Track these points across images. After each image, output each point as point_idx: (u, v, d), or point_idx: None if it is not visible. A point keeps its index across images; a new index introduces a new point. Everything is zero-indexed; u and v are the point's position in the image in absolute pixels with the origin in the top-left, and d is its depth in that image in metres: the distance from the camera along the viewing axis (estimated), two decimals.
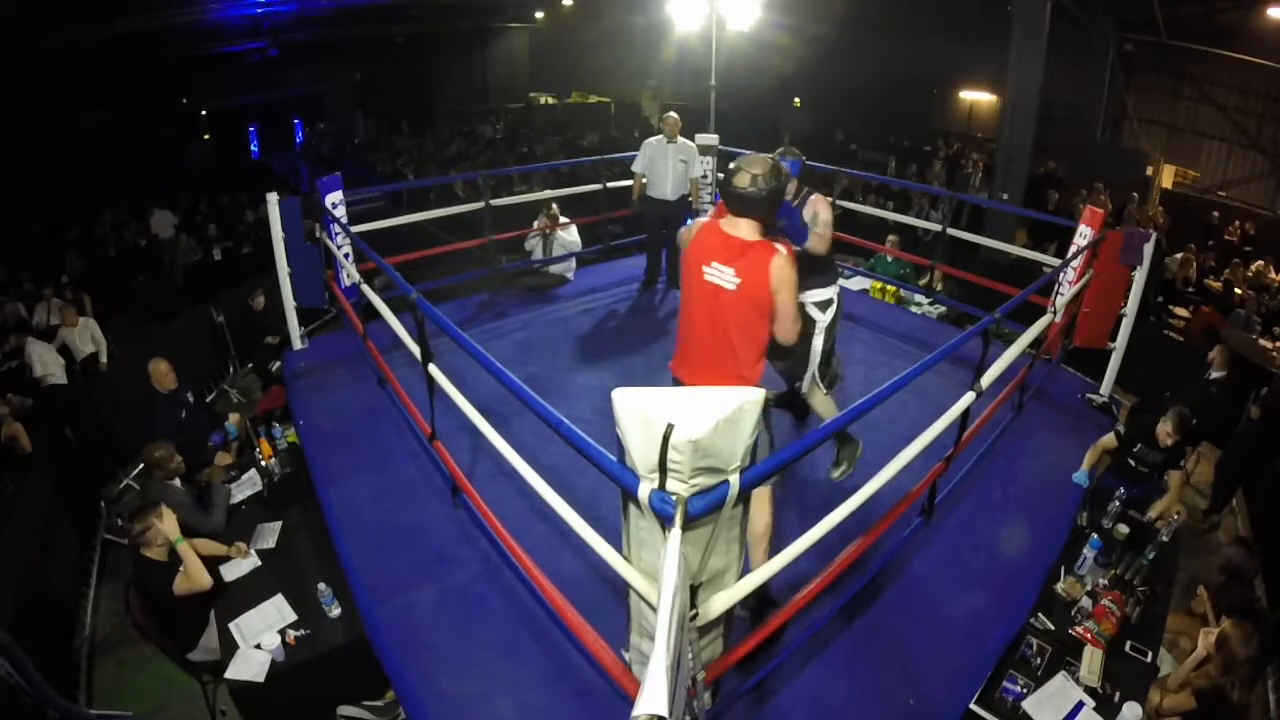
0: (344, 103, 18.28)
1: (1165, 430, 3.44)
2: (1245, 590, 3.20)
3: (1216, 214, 9.93)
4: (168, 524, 2.98)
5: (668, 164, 5.12)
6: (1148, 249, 3.98)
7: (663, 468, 1.52)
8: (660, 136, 5.19)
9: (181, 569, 2.94)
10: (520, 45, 18.72)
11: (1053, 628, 2.75)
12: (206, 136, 16.55)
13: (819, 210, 3.15)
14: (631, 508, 1.72)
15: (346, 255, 4.51)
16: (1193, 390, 4.72)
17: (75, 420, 5.13)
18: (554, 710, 2.30)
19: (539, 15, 17.36)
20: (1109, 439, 3.59)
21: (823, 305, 3.23)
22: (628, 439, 1.62)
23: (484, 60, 18.33)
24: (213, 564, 3.24)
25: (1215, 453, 4.97)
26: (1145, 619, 2.86)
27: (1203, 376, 4.81)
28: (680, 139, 5.19)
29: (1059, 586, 2.93)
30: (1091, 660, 2.58)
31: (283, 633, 2.84)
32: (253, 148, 17.56)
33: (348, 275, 4.47)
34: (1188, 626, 3.23)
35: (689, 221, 5.67)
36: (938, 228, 5.35)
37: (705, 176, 5.86)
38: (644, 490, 1.56)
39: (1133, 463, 3.58)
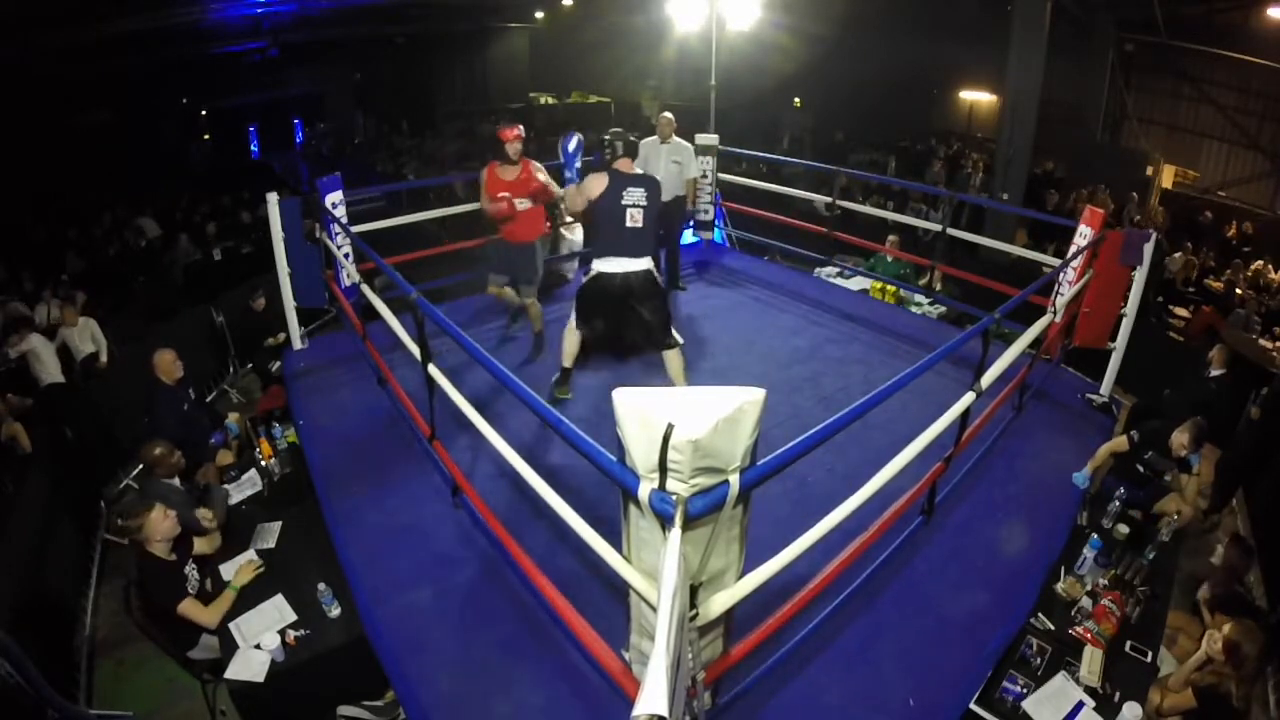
0: (344, 103, 18.27)
1: (1181, 442, 3.44)
2: (1235, 584, 3.20)
3: (1209, 213, 9.91)
4: (164, 524, 2.97)
5: (660, 164, 5.09)
6: (1148, 249, 3.98)
7: (663, 468, 1.52)
8: (655, 137, 5.17)
9: (201, 600, 2.97)
10: (520, 45, 18.72)
11: (1053, 628, 2.75)
12: (206, 136, 16.55)
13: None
14: (631, 508, 1.72)
15: (346, 255, 4.51)
16: (1193, 388, 4.72)
17: (75, 420, 5.13)
18: (554, 710, 2.30)
19: (539, 15, 17.36)
20: (1120, 442, 3.58)
21: None
22: (628, 439, 1.62)
23: (484, 60, 18.32)
24: (213, 562, 3.26)
25: (1215, 452, 4.97)
26: (1145, 619, 2.86)
27: (1202, 375, 4.81)
28: (675, 139, 5.16)
29: (1059, 586, 2.93)
30: (1091, 660, 2.58)
31: (283, 633, 2.84)
32: (253, 148, 17.55)
33: (348, 275, 4.47)
34: (1187, 624, 3.23)
35: (690, 224, 5.70)
36: (938, 228, 5.35)
37: (705, 176, 5.84)
38: (644, 490, 1.56)
39: (1140, 468, 3.59)
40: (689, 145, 5.30)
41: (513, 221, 4.15)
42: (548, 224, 4.39)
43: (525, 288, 4.34)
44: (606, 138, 3.47)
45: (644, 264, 3.46)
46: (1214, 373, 4.74)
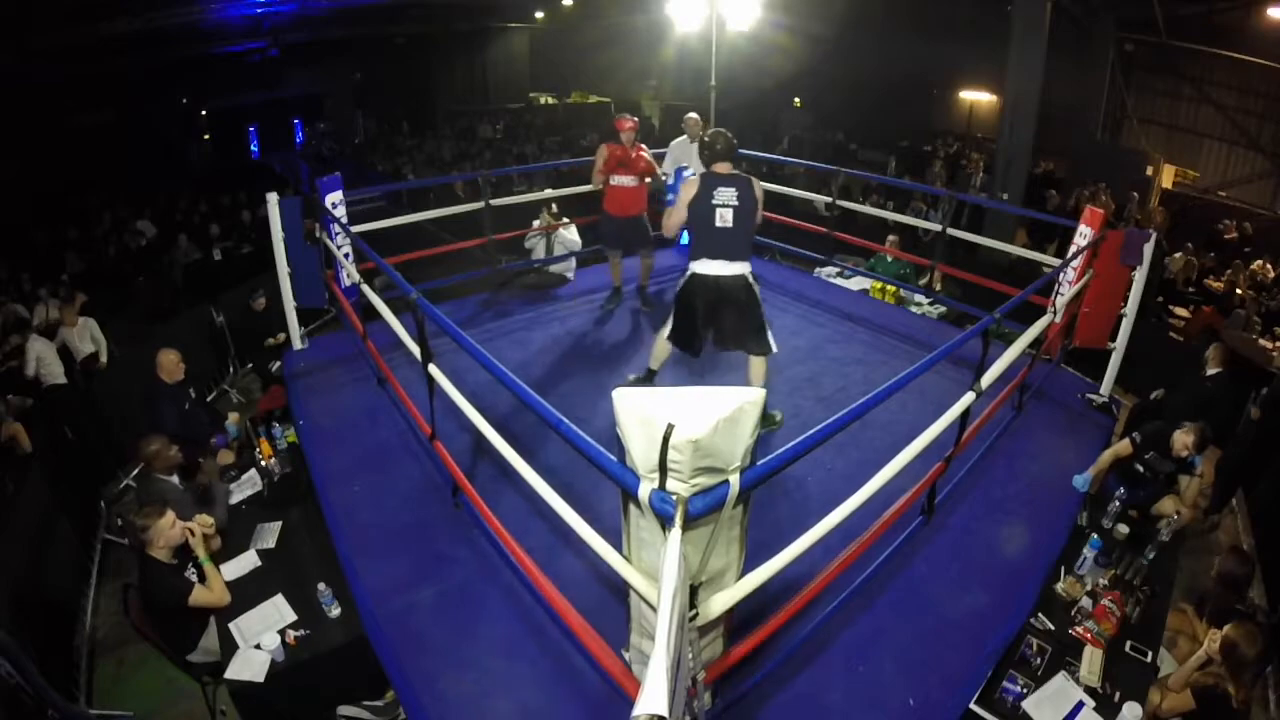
0: (344, 103, 18.28)
1: (1184, 442, 3.43)
2: (1233, 599, 3.19)
3: (1228, 223, 9.64)
4: (171, 531, 2.98)
5: (694, 162, 5.19)
6: (1148, 249, 3.98)
7: (663, 468, 1.52)
8: (684, 137, 5.34)
9: (201, 585, 2.98)
10: (520, 45, 18.73)
11: (1053, 628, 2.75)
12: (206, 136, 16.54)
13: None
14: (631, 508, 1.72)
15: (346, 255, 4.51)
16: (1191, 388, 4.70)
17: (75, 420, 5.13)
18: (554, 710, 2.30)
19: (539, 15, 17.38)
20: (1123, 446, 3.57)
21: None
22: (628, 439, 1.62)
23: (484, 60, 18.34)
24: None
25: (1215, 453, 4.96)
26: (1145, 619, 2.87)
27: (1200, 375, 4.78)
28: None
29: (1059, 586, 2.93)
30: (1091, 660, 2.58)
31: (283, 633, 2.83)
32: (253, 148, 17.55)
33: (348, 275, 4.48)
34: (1186, 625, 3.22)
35: None
36: (938, 228, 5.35)
37: None
38: (644, 490, 1.56)
39: (1140, 469, 3.58)
40: None
41: (624, 197, 4.80)
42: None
43: (644, 250, 5.09)
44: (706, 137, 3.47)
45: (738, 268, 3.40)
46: (1210, 372, 4.71)
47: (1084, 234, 4.23)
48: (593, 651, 2.04)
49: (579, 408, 3.88)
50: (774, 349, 3.50)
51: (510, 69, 18.74)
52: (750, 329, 3.49)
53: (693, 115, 5.40)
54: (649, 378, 3.93)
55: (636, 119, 4.83)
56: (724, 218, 3.34)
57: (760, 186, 3.42)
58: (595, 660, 2.06)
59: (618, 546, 1.87)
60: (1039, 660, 2.61)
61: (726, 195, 3.34)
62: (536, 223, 5.80)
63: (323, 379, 4.36)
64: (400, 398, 3.60)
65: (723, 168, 3.41)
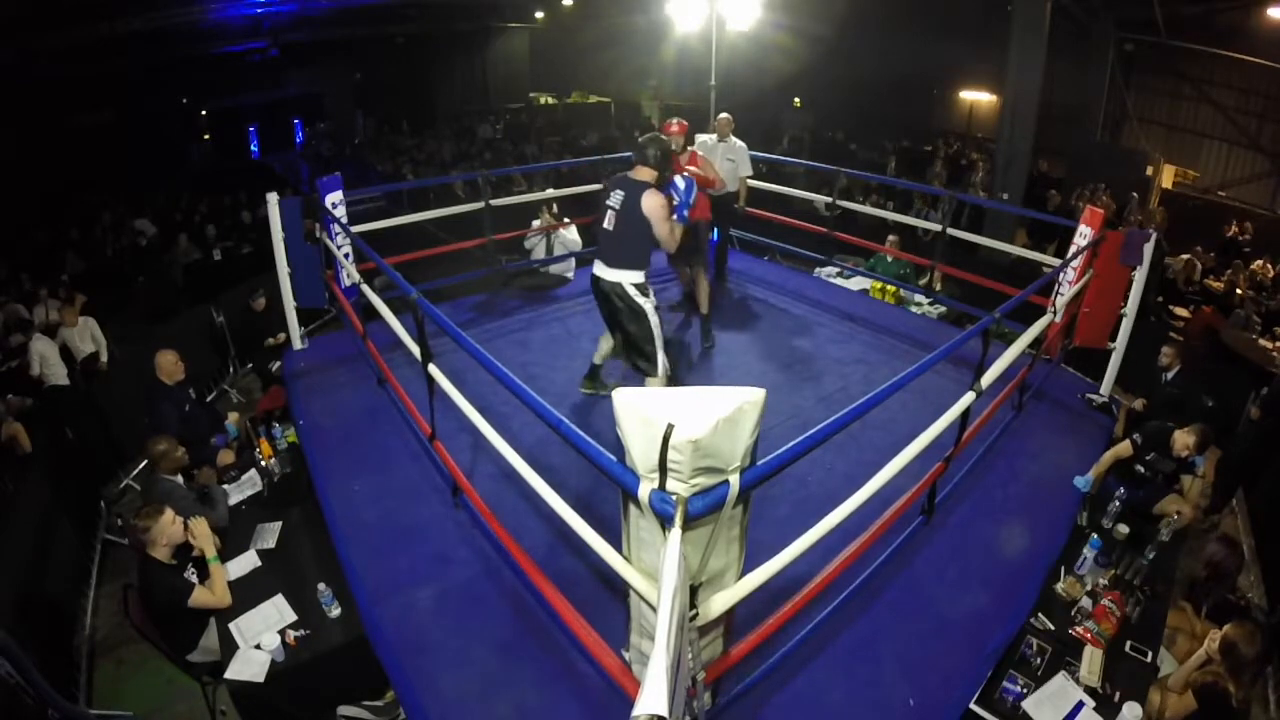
0: (344, 103, 18.26)
1: (1185, 443, 3.42)
2: (1225, 590, 3.19)
3: (1241, 225, 9.50)
4: (172, 529, 2.99)
5: (716, 161, 5.19)
6: (1148, 249, 3.98)
7: (663, 468, 1.52)
8: (712, 135, 5.36)
9: (204, 584, 2.99)
10: (520, 45, 18.73)
11: (1053, 628, 2.75)
12: (206, 136, 16.54)
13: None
14: (631, 508, 1.72)
15: (346, 255, 4.51)
16: (1159, 393, 4.67)
17: (75, 420, 5.13)
18: (554, 710, 2.30)
19: (539, 15, 17.38)
20: (1124, 447, 3.57)
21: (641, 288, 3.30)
22: (628, 439, 1.62)
23: (484, 60, 18.34)
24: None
25: (1215, 452, 4.95)
26: (1145, 619, 2.87)
27: (1162, 380, 4.72)
28: (731, 139, 5.32)
29: (1059, 586, 2.93)
30: (1091, 660, 2.58)
31: (283, 633, 2.84)
32: (253, 148, 17.54)
33: (348, 275, 4.48)
34: (1185, 623, 3.22)
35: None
36: (938, 228, 5.35)
37: None
38: (644, 490, 1.56)
39: (1141, 469, 3.58)
40: (743, 145, 5.42)
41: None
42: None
43: (696, 258, 4.81)
44: (642, 139, 3.32)
45: (613, 274, 3.27)
46: (1170, 374, 4.68)
47: (1084, 234, 4.23)
48: (593, 651, 2.04)
49: (578, 407, 3.89)
50: (660, 372, 3.32)
51: (510, 69, 18.74)
52: (629, 340, 3.34)
53: (725, 115, 5.39)
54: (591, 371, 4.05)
55: (685, 121, 4.64)
56: (608, 219, 3.24)
57: (655, 201, 3.17)
58: (595, 660, 2.06)
59: (618, 546, 1.87)
60: (1039, 660, 2.61)
61: (615, 199, 3.22)
62: (536, 223, 5.81)
63: (323, 379, 4.35)
64: (400, 398, 3.60)
65: (638, 173, 3.25)
